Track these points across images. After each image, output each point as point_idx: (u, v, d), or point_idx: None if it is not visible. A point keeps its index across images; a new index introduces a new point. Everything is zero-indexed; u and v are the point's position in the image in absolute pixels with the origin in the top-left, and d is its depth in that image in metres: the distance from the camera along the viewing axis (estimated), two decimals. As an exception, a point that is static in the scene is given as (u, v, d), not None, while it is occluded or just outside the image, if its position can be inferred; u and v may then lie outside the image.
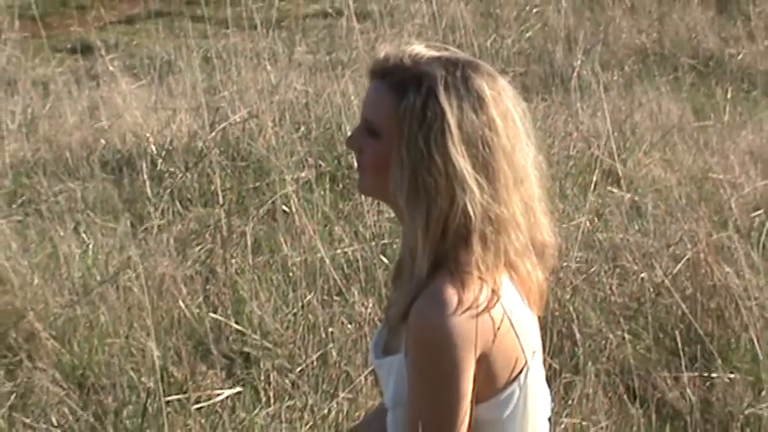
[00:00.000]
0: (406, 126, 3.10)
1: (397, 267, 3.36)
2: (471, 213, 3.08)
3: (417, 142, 3.10)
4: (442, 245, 3.11)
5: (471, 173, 3.09)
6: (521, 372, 3.19)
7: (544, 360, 3.98)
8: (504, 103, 3.16)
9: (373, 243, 5.18)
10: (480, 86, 3.12)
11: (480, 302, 3.10)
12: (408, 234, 3.20)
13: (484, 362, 3.13)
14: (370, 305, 4.77)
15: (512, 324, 3.15)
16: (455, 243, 3.11)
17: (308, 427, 4.10)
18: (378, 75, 3.20)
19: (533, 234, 3.20)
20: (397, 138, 3.12)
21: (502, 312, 3.14)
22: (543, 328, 4.33)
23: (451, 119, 3.09)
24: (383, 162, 3.16)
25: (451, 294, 3.08)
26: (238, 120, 6.58)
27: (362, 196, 5.26)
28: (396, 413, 3.27)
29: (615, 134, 6.44)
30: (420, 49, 3.20)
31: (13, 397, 4.22)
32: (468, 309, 3.10)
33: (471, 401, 3.13)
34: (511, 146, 3.14)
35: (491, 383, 3.17)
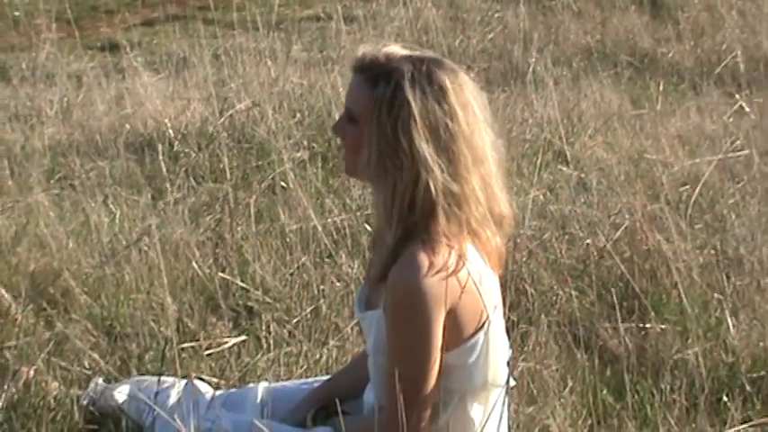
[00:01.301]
0: (377, 114, 3.14)
1: (374, 236, 3.39)
2: (433, 190, 3.12)
3: (386, 128, 3.13)
4: (410, 216, 3.15)
5: (433, 155, 3.12)
6: (483, 324, 3.21)
7: (504, 314, 3.99)
8: (465, 94, 3.19)
9: (358, 213, 5.18)
10: (442, 80, 3.16)
11: (449, 266, 3.13)
12: (378, 207, 3.24)
13: (452, 316, 3.16)
14: (356, 266, 4.77)
15: (475, 284, 3.17)
16: (423, 215, 3.14)
17: (302, 369, 4.10)
18: (357, 70, 3.24)
19: (491, 206, 3.23)
20: (370, 123, 3.14)
21: (467, 274, 3.16)
22: (503, 286, 4.32)
23: (415, 108, 3.12)
24: (360, 144, 3.20)
25: (423, 259, 3.11)
26: (243, 108, 6.56)
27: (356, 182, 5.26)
28: (376, 359, 3.29)
29: (564, 121, 6.45)
30: (394, 48, 3.23)
31: (51, 344, 4.21)
32: (438, 271, 3.12)
33: (441, 350, 3.16)
34: (470, 131, 3.17)
35: (458, 334, 3.19)
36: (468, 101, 3.19)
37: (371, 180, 3.24)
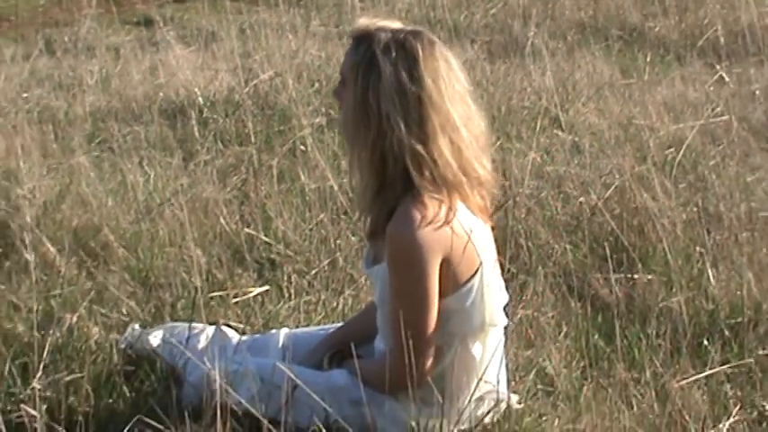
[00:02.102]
0: (354, 76, 3.21)
1: (355, 195, 3.43)
2: (397, 149, 3.15)
3: (359, 90, 3.17)
4: (385, 171, 3.19)
5: (400, 116, 3.14)
6: (477, 270, 3.23)
7: (505, 266, 3.99)
8: (438, 65, 3.21)
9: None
10: (415, 50, 3.19)
11: (440, 218, 3.17)
12: (353, 163, 3.30)
13: (446, 264, 3.19)
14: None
15: (467, 233, 3.18)
16: (395, 170, 3.18)
17: (321, 316, 4.10)
18: (351, 38, 3.26)
19: (465, 169, 3.24)
20: (349, 84, 3.20)
21: (458, 225, 3.18)
22: (504, 241, 4.34)
23: (384, 73, 3.15)
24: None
25: (416, 213, 3.15)
26: (266, 78, 6.55)
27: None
28: (383, 310, 3.30)
29: (559, 89, 6.42)
30: (387, 22, 3.30)
31: (92, 293, 4.21)
32: (429, 223, 3.16)
33: (439, 296, 3.18)
34: (440, 99, 3.20)
35: (455, 280, 3.21)
36: (440, 72, 3.20)
37: (349, 137, 3.28)
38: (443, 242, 3.17)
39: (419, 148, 3.15)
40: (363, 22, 3.28)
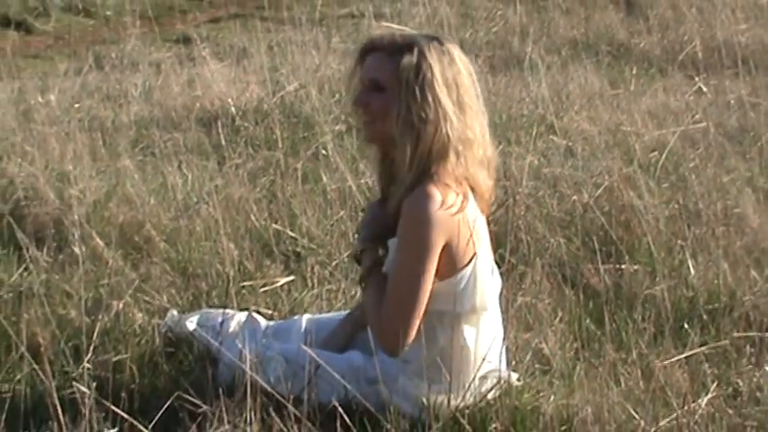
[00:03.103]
0: (405, 78, 3.17)
1: (385, 184, 3.37)
2: (450, 136, 3.16)
3: (415, 89, 3.16)
4: (427, 160, 3.16)
5: (451, 107, 3.16)
6: (472, 259, 3.21)
7: (505, 258, 3.98)
8: (464, 59, 3.24)
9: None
10: (450, 48, 3.21)
11: (455, 204, 3.16)
12: (402, 153, 3.20)
13: (447, 249, 3.19)
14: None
15: (469, 224, 3.17)
16: (436, 158, 3.16)
17: (341, 303, 4.09)
18: (376, 48, 3.26)
19: (486, 150, 3.26)
20: (398, 88, 3.15)
21: (464, 215, 3.16)
22: (504, 235, 4.33)
23: (436, 71, 3.15)
24: (388, 108, 3.21)
25: (435, 194, 3.14)
26: (292, 89, 6.55)
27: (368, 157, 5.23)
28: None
29: (554, 99, 6.41)
30: (398, 31, 3.28)
31: (136, 282, 4.20)
32: (447, 207, 3.16)
33: (435, 276, 3.17)
34: (472, 87, 3.23)
35: (452, 266, 3.22)
36: (467, 64, 3.24)
37: (396, 136, 3.20)
38: (451, 228, 3.16)
39: (466, 133, 3.18)
40: (381, 33, 3.27)
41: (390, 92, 3.19)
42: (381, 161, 3.38)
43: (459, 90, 3.19)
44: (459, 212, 3.17)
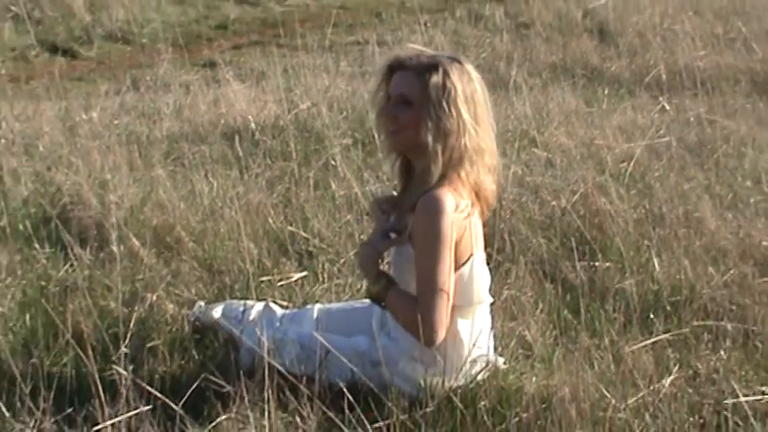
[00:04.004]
0: (433, 94, 3.14)
1: (403, 187, 3.35)
2: (468, 145, 3.16)
3: (441, 104, 3.14)
4: (448, 165, 3.17)
5: (470, 120, 3.15)
6: (470, 257, 3.22)
7: (492, 256, 3.97)
8: (478, 77, 3.25)
9: (387, 183, 5.14)
10: (468, 68, 3.22)
11: (465, 210, 3.16)
12: (431, 159, 3.17)
13: (455, 246, 3.18)
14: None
15: (471, 227, 3.18)
16: (454, 165, 3.17)
17: (347, 296, 4.08)
18: (403, 67, 3.24)
19: (493, 158, 3.27)
20: (426, 103, 3.14)
21: (469, 218, 3.17)
22: (492, 236, 4.32)
23: (459, 89, 3.17)
24: (416, 121, 3.19)
25: (449, 197, 3.14)
26: (305, 107, 6.54)
27: (380, 155, 5.22)
28: (394, 260, 3.35)
29: (536, 116, 6.40)
30: (422, 50, 3.26)
31: (168, 277, 4.20)
32: (456, 209, 3.14)
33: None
34: (485, 103, 3.23)
35: (456, 262, 3.19)
36: (481, 82, 3.25)
37: (428, 145, 3.16)
38: (460, 227, 3.16)
39: (481, 144, 3.18)
40: (407, 53, 3.25)
41: (418, 106, 3.18)
42: (401, 167, 3.37)
43: (476, 105, 3.19)
44: (469, 217, 3.18)
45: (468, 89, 3.18)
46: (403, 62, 3.25)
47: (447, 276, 3.14)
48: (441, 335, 3.16)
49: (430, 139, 3.15)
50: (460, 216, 3.14)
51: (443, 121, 3.14)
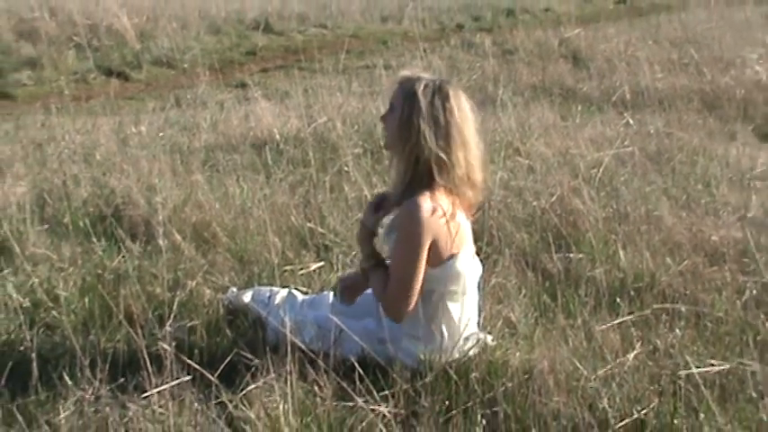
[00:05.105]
0: (404, 106, 3.15)
1: (390, 194, 3.31)
2: (430, 156, 3.12)
3: (405, 115, 3.14)
4: (416, 172, 3.14)
5: (432, 135, 3.12)
6: (454, 254, 3.20)
7: (482, 248, 3.96)
8: (461, 101, 3.19)
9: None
10: (446, 90, 3.17)
11: (444, 212, 3.13)
12: (398, 165, 3.20)
13: (434, 245, 3.15)
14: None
15: (451, 228, 3.16)
16: (424, 171, 3.14)
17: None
18: (398, 82, 3.20)
19: (470, 174, 3.20)
20: (397, 109, 3.18)
21: (451, 220, 3.13)
22: (482, 231, 4.31)
23: (422, 106, 3.12)
24: (392, 124, 3.24)
25: (427, 202, 3.11)
26: (322, 122, 6.53)
27: (387, 162, 5.21)
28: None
29: (519, 129, 6.39)
30: (423, 73, 3.24)
31: (205, 266, 4.19)
32: (435, 214, 3.11)
33: (426, 263, 3.14)
34: (462, 124, 3.17)
35: (438, 257, 3.19)
36: (463, 106, 3.19)
37: (396, 148, 3.19)
38: (436, 229, 3.13)
39: (443, 156, 3.12)
40: (407, 73, 3.25)
41: (395, 111, 3.20)
42: (389, 163, 3.39)
43: (448, 124, 3.14)
44: (451, 219, 3.15)
45: (438, 107, 3.14)
46: (401, 79, 3.28)
47: (414, 269, 3.13)
48: (401, 314, 3.17)
49: (398, 141, 3.18)
50: (439, 219, 3.12)
51: (405, 129, 3.15)
